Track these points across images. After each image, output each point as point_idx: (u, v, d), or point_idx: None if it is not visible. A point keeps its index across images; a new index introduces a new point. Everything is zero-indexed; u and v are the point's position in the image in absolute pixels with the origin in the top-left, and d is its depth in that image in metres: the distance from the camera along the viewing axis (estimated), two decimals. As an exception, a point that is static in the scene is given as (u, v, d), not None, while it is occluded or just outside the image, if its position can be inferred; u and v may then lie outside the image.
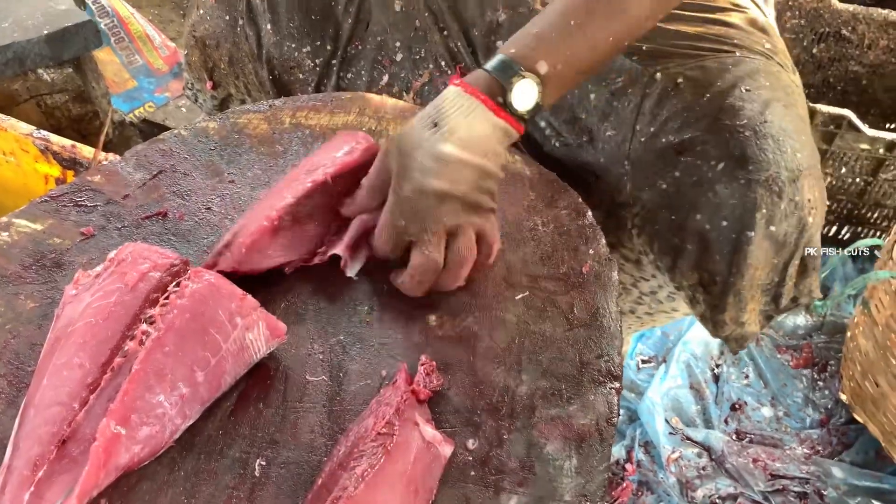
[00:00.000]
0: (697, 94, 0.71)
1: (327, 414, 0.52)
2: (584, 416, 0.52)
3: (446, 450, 0.48)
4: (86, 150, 0.89)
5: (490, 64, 0.59)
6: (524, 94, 0.58)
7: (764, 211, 0.65)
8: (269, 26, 0.89)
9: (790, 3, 1.57)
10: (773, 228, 0.66)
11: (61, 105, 1.12)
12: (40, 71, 1.08)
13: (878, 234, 1.43)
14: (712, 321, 0.72)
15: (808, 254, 0.70)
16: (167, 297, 0.50)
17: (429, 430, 0.48)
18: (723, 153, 0.67)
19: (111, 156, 0.95)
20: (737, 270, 0.67)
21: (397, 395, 0.49)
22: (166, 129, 1.57)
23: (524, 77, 0.57)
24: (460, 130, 0.56)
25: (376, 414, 0.48)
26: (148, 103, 1.61)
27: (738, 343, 0.73)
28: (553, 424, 0.52)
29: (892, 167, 1.31)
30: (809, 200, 0.67)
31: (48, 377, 0.47)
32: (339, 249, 0.61)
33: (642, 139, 0.73)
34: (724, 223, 0.67)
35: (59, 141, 0.90)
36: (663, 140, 0.71)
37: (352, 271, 0.61)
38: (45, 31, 1.04)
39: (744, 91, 0.69)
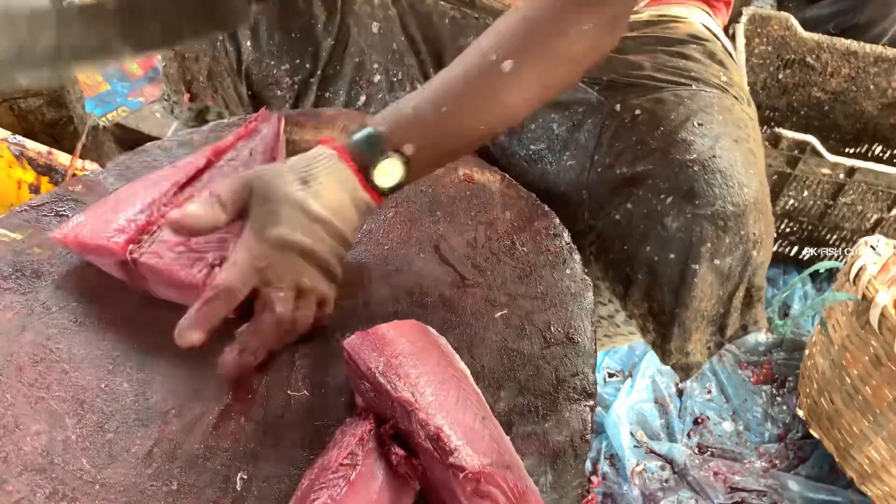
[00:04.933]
0: (653, 126, 0.73)
1: (309, 428, 0.53)
2: (560, 433, 0.54)
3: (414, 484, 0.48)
4: (62, 157, 0.89)
5: (359, 135, 0.58)
6: (388, 173, 0.58)
7: (709, 245, 0.67)
8: (248, 43, 0.90)
9: (758, 30, 1.63)
10: (717, 262, 0.68)
11: (35, 109, 1.10)
12: (14, 73, 1.06)
13: (836, 255, 1.49)
14: (661, 349, 0.74)
15: (754, 286, 0.72)
16: None
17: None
18: (672, 187, 0.69)
19: (87, 163, 0.94)
20: (682, 302, 0.69)
21: (362, 424, 0.49)
22: (140, 133, 1.56)
23: (390, 157, 0.58)
24: (328, 195, 0.56)
25: (339, 444, 0.48)
26: (121, 107, 1.59)
27: (685, 372, 0.75)
28: (529, 440, 0.54)
29: (850, 192, 1.37)
30: (754, 234, 0.69)
31: None
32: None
33: (599, 169, 0.75)
34: (672, 255, 0.69)
35: (34, 147, 0.89)
36: (618, 171, 0.73)
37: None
38: (22, 34, 1.02)
39: (696, 125, 0.71)
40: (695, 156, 0.69)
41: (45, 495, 0.46)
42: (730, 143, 0.71)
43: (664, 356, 0.74)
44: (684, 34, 0.81)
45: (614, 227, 0.73)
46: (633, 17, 0.84)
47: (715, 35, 0.85)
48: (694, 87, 0.76)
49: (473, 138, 0.63)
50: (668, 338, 0.72)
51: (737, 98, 0.78)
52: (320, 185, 0.56)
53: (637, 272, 0.71)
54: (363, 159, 0.57)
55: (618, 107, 0.76)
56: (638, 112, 0.74)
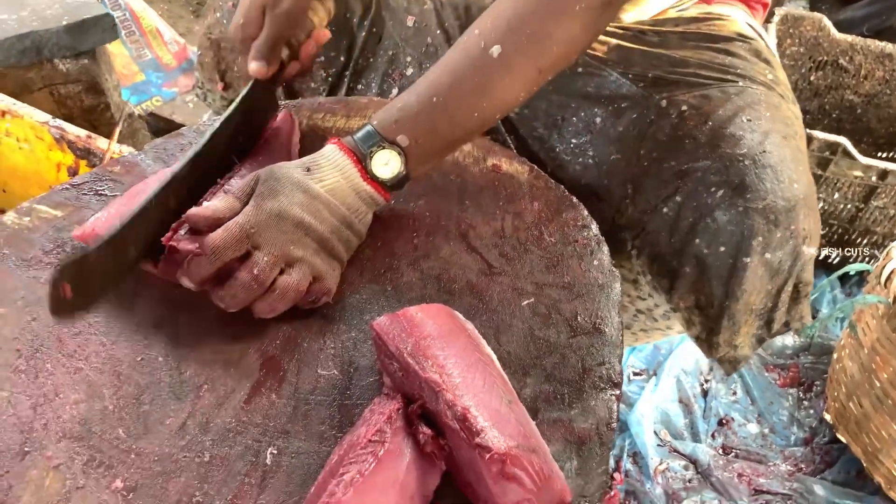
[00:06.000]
0: (700, 121, 0.73)
1: (337, 407, 0.54)
2: (585, 420, 0.54)
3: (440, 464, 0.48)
4: (100, 142, 0.91)
5: (357, 132, 0.61)
6: (385, 164, 0.60)
7: (760, 238, 0.67)
8: None
9: (791, 31, 1.61)
10: (768, 256, 0.68)
11: (74, 95, 1.13)
12: (56, 61, 1.09)
13: (866, 259, 1.47)
14: (707, 343, 0.73)
15: (802, 281, 0.72)
16: None
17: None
18: (722, 180, 0.69)
19: (123, 147, 0.96)
20: (732, 295, 0.69)
21: (390, 403, 0.50)
22: (173, 122, 1.59)
23: (384, 148, 0.60)
24: (329, 180, 0.59)
25: (368, 422, 0.48)
26: (155, 97, 1.62)
27: (732, 365, 0.75)
28: (555, 427, 0.54)
29: (883, 195, 1.34)
30: (804, 229, 0.69)
31: None
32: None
33: (645, 164, 0.75)
34: (722, 248, 0.68)
35: (74, 131, 0.91)
36: (665, 165, 0.73)
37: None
38: (64, 22, 1.05)
39: (745, 121, 0.72)
40: (745, 150, 0.69)
41: (82, 462, 0.48)
42: (779, 139, 0.71)
43: (711, 349, 0.73)
44: (730, 32, 0.81)
45: (661, 220, 0.73)
46: (678, 14, 0.84)
47: (759, 34, 0.85)
48: (741, 83, 0.76)
49: (469, 127, 0.63)
50: (715, 331, 0.71)
51: (783, 96, 0.78)
52: (322, 172, 0.59)
53: (685, 265, 0.71)
54: (360, 151, 0.60)
55: (663, 102, 0.76)
56: (684, 108, 0.74)
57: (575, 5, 0.59)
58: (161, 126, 1.58)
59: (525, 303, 0.63)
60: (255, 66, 0.70)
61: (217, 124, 0.66)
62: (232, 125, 0.67)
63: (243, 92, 0.70)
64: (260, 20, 0.70)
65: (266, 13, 0.69)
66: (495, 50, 0.59)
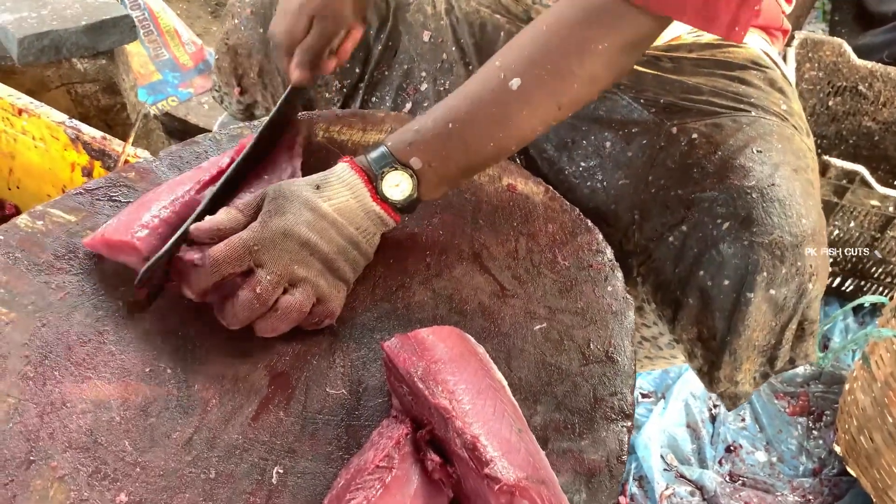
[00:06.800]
0: (710, 150, 0.72)
1: (345, 428, 0.53)
2: (596, 452, 0.54)
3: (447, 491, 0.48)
4: (115, 143, 0.91)
5: (370, 152, 0.61)
6: (396, 186, 0.60)
7: (765, 274, 0.66)
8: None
9: (810, 55, 1.60)
10: (772, 292, 0.67)
11: (91, 94, 1.14)
12: (74, 60, 1.10)
13: (881, 289, 1.45)
14: (708, 377, 0.72)
15: (807, 319, 0.71)
16: None
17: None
18: (729, 212, 0.68)
19: (138, 150, 0.96)
20: (734, 330, 0.68)
21: (398, 427, 0.49)
22: (187, 123, 1.59)
23: (396, 169, 0.60)
24: (339, 199, 0.59)
25: (376, 446, 0.48)
26: (171, 97, 1.63)
27: (732, 401, 0.73)
28: (565, 457, 0.53)
29: (900, 225, 1.33)
30: (811, 266, 0.67)
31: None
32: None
33: (653, 190, 0.74)
34: (726, 282, 0.67)
35: (89, 131, 0.91)
36: (672, 193, 0.72)
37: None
38: (84, 22, 1.05)
39: (755, 152, 0.70)
40: (753, 182, 0.68)
41: (87, 473, 0.47)
42: (789, 172, 0.70)
43: (711, 383, 0.72)
44: (744, 59, 0.80)
45: (667, 248, 0.72)
46: (693, 39, 0.83)
47: (775, 62, 0.84)
48: (753, 113, 0.74)
49: (484, 156, 0.63)
50: (716, 365, 0.70)
51: (796, 128, 0.77)
52: (332, 191, 0.59)
53: (688, 296, 0.70)
54: (372, 172, 0.60)
55: (674, 129, 0.75)
56: (695, 136, 0.73)
57: (598, 44, 0.58)
58: (176, 126, 1.58)
59: (537, 327, 0.62)
60: (299, 75, 0.71)
61: (261, 129, 0.68)
62: (270, 130, 0.69)
63: (283, 97, 0.71)
64: (308, 28, 0.70)
65: (315, 22, 0.69)
66: (515, 83, 0.59)
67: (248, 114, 1.04)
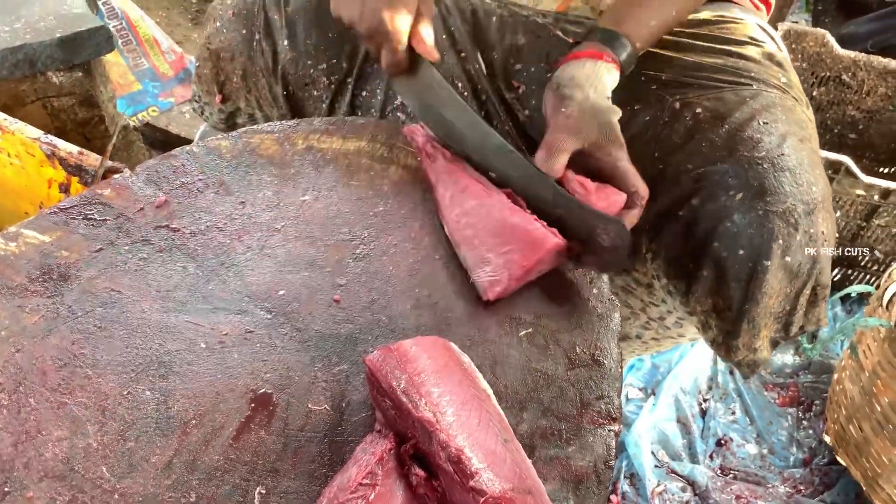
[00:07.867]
0: (716, 124, 0.73)
1: (328, 444, 0.52)
2: (583, 458, 0.53)
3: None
4: (92, 158, 0.89)
5: (602, 36, 0.72)
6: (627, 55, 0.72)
7: (780, 241, 0.67)
8: (285, 42, 0.90)
9: (793, 46, 1.60)
10: (788, 259, 0.68)
11: (68, 108, 1.12)
12: (49, 73, 1.08)
13: (868, 277, 1.45)
14: (724, 346, 0.73)
15: (820, 284, 0.71)
16: None
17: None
18: (741, 184, 0.69)
19: (117, 165, 0.94)
20: (752, 298, 0.69)
21: (382, 443, 0.48)
22: (169, 133, 1.57)
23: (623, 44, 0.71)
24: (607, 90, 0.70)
25: (359, 463, 0.47)
26: (151, 107, 1.61)
27: (750, 368, 0.74)
28: (552, 465, 0.53)
29: (885, 214, 1.33)
30: (823, 233, 0.69)
31: None
32: None
33: (660, 166, 0.75)
34: (741, 252, 0.68)
35: (65, 147, 0.90)
36: (681, 168, 0.73)
37: None
38: (58, 35, 1.04)
39: (761, 123, 0.72)
40: (763, 153, 0.69)
41: (63, 503, 0.46)
42: (796, 142, 0.71)
43: (728, 353, 0.73)
44: (742, 35, 0.81)
45: (677, 223, 0.73)
46: (691, 16, 0.84)
47: (771, 36, 0.85)
48: (755, 87, 0.76)
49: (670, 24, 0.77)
50: (733, 334, 0.71)
51: (796, 99, 0.78)
52: (601, 85, 0.70)
53: (702, 268, 0.71)
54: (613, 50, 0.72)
55: (677, 104, 0.75)
56: (699, 110, 0.74)
57: None
58: (157, 137, 1.57)
59: (522, 333, 0.61)
60: (431, 50, 0.69)
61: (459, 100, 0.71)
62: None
63: (435, 74, 0.70)
64: (415, 5, 0.68)
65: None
66: None
67: (230, 123, 1.02)
